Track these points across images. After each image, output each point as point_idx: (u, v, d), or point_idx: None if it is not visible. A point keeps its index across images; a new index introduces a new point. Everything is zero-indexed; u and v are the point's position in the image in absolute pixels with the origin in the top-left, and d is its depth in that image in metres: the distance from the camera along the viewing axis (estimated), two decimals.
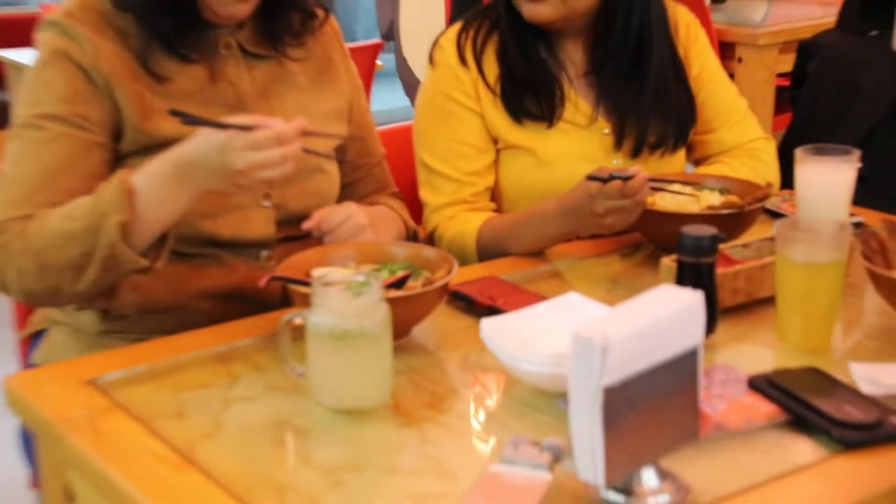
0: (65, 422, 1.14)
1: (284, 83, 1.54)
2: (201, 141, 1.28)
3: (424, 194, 1.74)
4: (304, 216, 1.52)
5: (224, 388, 1.23)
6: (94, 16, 1.43)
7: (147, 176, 1.30)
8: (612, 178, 1.45)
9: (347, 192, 1.65)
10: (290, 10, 1.53)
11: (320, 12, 1.58)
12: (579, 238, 1.66)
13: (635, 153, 1.73)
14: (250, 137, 1.25)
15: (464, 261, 1.62)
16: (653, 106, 1.72)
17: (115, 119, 1.41)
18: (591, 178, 1.47)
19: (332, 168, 1.58)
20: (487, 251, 1.65)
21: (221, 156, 1.25)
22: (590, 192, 1.47)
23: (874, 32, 2.61)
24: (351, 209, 1.48)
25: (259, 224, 1.48)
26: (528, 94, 1.70)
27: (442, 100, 1.73)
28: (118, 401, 1.19)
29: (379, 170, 1.71)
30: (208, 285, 1.47)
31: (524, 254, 1.62)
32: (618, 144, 1.73)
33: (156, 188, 1.29)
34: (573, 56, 1.75)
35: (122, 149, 1.42)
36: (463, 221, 1.69)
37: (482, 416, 1.19)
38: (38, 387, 1.23)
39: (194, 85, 1.46)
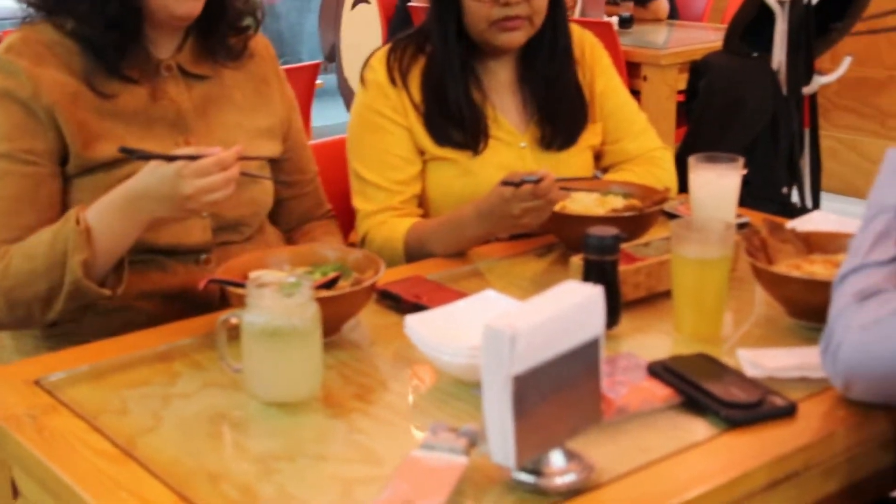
0: (8, 420, 1.09)
1: (222, 102, 1.51)
2: (150, 173, 1.28)
3: (357, 202, 1.72)
4: (240, 223, 1.49)
5: (164, 386, 1.19)
6: (37, 47, 1.39)
7: (100, 213, 1.30)
8: (523, 182, 1.44)
9: (283, 209, 1.62)
10: (224, 26, 1.50)
11: (251, 22, 1.55)
12: (498, 240, 1.65)
13: (546, 150, 1.73)
14: (196, 165, 1.25)
15: (393, 262, 1.60)
16: (563, 113, 1.74)
17: (60, 146, 1.38)
18: (504, 183, 1.46)
19: (265, 170, 1.54)
20: (414, 253, 1.63)
21: (171, 184, 1.25)
22: (504, 197, 1.47)
23: (755, 54, 2.67)
24: None
25: (197, 232, 1.46)
26: (453, 126, 1.69)
27: (372, 115, 1.71)
28: (62, 399, 1.15)
29: (312, 188, 1.68)
30: (150, 288, 1.43)
31: (447, 255, 1.60)
32: (532, 150, 1.73)
33: (109, 223, 1.30)
34: (500, 74, 1.74)
35: (67, 172, 1.40)
36: (392, 227, 1.67)
37: (407, 405, 1.17)
38: None
39: (138, 103, 1.42)
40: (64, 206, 1.39)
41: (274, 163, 1.57)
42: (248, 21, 1.54)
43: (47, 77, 1.37)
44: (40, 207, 1.36)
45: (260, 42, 1.59)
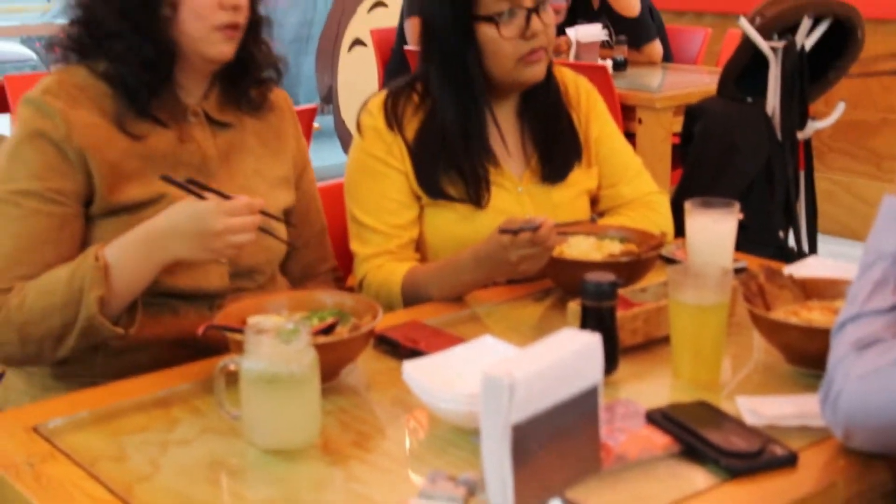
0: (7, 469, 1.09)
1: (243, 150, 1.55)
2: (180, 208, 1.31)
3: (354, 246, 1.73)
4: (254, 270, 1.53)
5: (163, 432, 1.19)
6: (71, 90, 1.42)
7: (119, 250, 1.33)
8: (521, 229, 1.45)
9: (290, 258, 1.64)
10: (249, 77, 1.54)
11: (273, 74, 1.59)
12: (496, 284, 1.65)
13: (541, 185, 1.74)
14: (229, 204, 1.30)
15: (391, 307, 1.61)
16: (558, 148, 1.76)
17: (87, 188, 1.41)
18: (502, 230, 1.47)
19: (281, 228, 1.57)
20: (411, 297, 1.63)
21: (203, 219, 1.29)
22: (502, 244, 1.48)
23: (750, 99, 2.70)
24: None
25: (215, 278, 1.48)
26: (452, 184, 1.68)
27: (370, 160, 1.72)
28: (60, 446, 1.14)
29: (318, 240, 1.70)
30: (162, 332, 1.44)
31: (445, 299, 1.60)
32: (530, 194, 1.74)
33: (128, 262, 1.32)
34: (502, 118, 1.75)
35: (91, 212, 1.42)
36: (389, 271, 1.67)
37: (405, 452, 1.17)
38: None
39: (166, 146, 1.46)
40: (84, 246, 1.41)
41: (285, 210, 1.60)
42: (270, 73, 1.58)
43: (80, 119, 1.40)
44: (61, 247, 1.38)
45: (280, 96, 1.64)
